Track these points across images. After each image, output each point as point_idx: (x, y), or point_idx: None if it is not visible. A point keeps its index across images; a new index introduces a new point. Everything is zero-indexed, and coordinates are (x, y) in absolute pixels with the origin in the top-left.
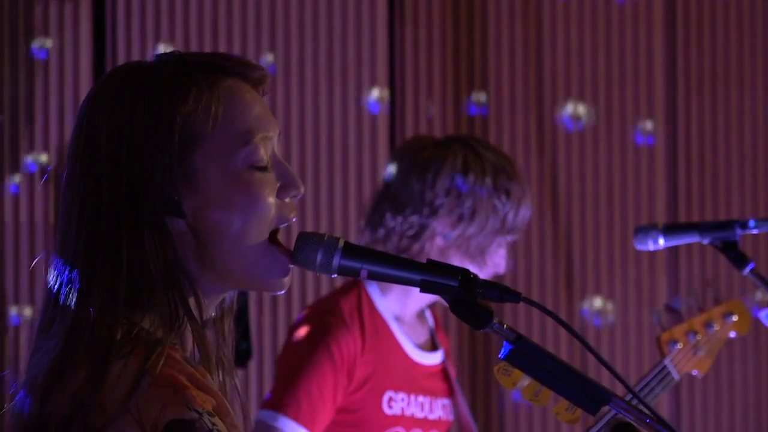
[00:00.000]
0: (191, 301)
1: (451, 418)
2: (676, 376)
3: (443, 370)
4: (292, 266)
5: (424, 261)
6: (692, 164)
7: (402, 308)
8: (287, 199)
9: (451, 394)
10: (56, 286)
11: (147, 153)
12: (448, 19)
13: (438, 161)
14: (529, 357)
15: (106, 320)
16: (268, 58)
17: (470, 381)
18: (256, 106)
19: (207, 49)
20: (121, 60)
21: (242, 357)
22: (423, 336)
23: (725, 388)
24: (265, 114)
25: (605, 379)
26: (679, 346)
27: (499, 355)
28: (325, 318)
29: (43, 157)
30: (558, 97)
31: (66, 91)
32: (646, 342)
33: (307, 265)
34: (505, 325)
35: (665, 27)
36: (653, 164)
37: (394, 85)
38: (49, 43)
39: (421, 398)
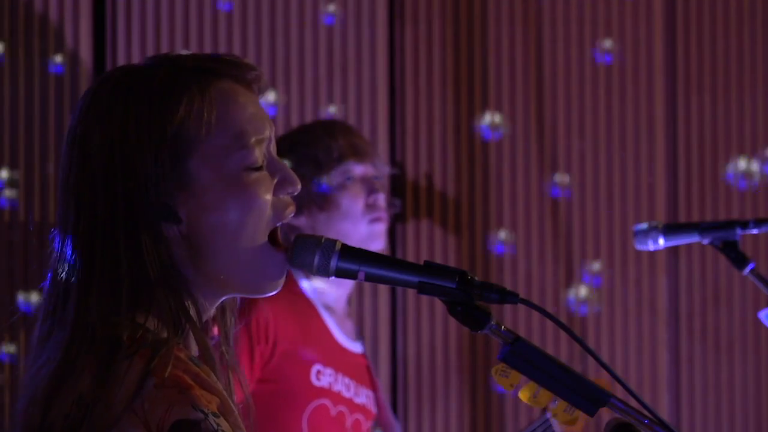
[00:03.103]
0: (189, 304)
1: (374, 410)
2: (557, 429)
3: (367, 366)
4: (287, 267)
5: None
6: (692, 164)
7: (332, 298)
8: (282, 196)
9: (374, 389)
10: (53, 294)
11: (140, 162)
12: (448, 19)
13: (302, 135)
14: (527, 358)
15: (110, 321)
16: (266, 61)
17: (470, 381)
18: (249, 108)
19: (207, 49)
20: (121, 60)
21: None
22: (350, 331)
23: (725, 388)
24: (258, 114)
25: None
26: (558, 402)
27: (497, 357)
28: None
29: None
30: (558, 96)
31: (65, 92)
32: (645, 344)
33: (304, 267)
34: (503, 327)
35: (665, 26)
36: (653, 164)
37: (394, 84)
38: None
39: (347, 380)
